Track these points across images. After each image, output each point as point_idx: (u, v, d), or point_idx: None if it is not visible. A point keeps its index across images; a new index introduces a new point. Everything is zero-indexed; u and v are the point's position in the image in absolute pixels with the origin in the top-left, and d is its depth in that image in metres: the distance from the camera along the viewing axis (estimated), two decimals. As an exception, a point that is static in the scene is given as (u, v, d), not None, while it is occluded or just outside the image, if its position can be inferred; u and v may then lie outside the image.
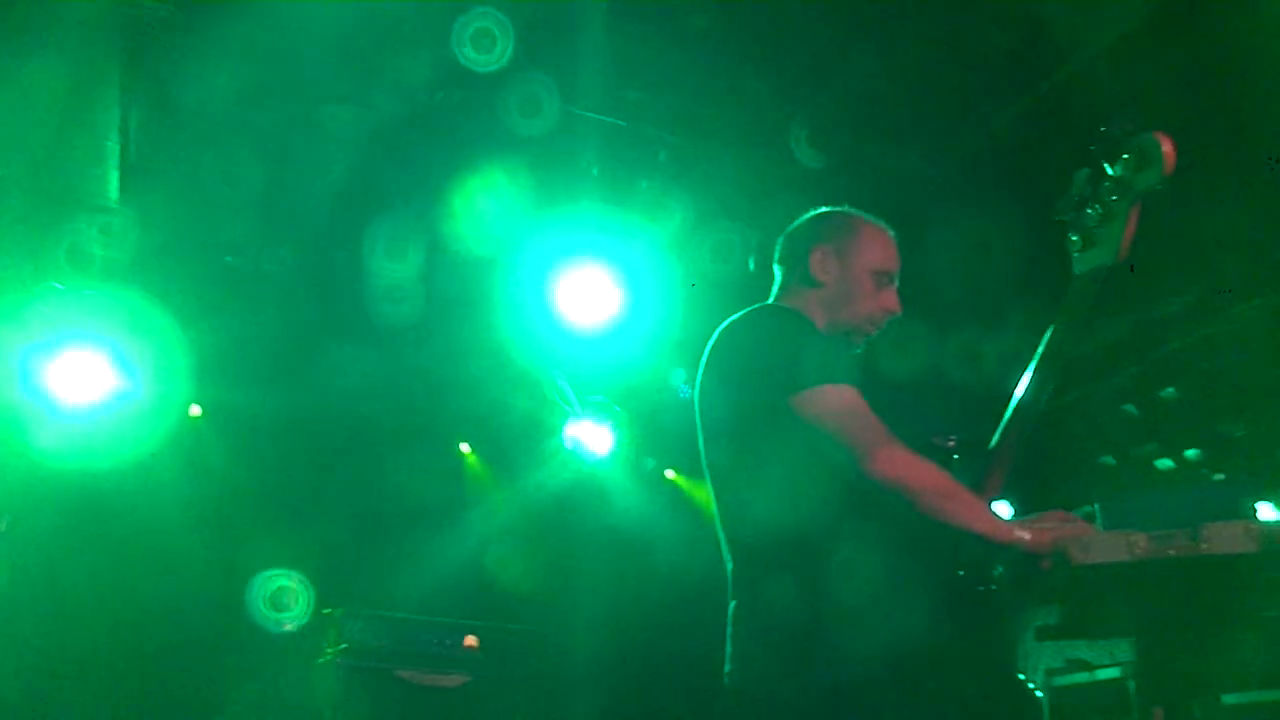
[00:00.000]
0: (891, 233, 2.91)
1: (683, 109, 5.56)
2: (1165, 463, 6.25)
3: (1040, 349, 2.50)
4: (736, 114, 5.54)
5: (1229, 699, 4.33)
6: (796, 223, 2.97)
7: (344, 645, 6.28)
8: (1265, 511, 4.59)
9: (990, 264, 5.32)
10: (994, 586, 2.50)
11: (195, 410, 7.30)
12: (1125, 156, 2.30)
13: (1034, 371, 2.50)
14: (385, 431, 7.59)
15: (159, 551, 6.73)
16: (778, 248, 2.97)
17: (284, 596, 6.54)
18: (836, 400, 2.47)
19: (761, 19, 4.90)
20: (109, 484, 6.46)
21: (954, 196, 5.69)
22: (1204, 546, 2.27)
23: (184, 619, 6.67)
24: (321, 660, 6.31)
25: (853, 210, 2.95)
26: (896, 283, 2.89)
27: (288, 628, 6.56)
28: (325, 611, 6.46)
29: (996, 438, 2.56)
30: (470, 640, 6.63)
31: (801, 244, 2.89)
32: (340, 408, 7.37)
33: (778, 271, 2.95)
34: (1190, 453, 6.12)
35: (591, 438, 7.98)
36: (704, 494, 2.90)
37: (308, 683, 6.32)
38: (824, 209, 2.97)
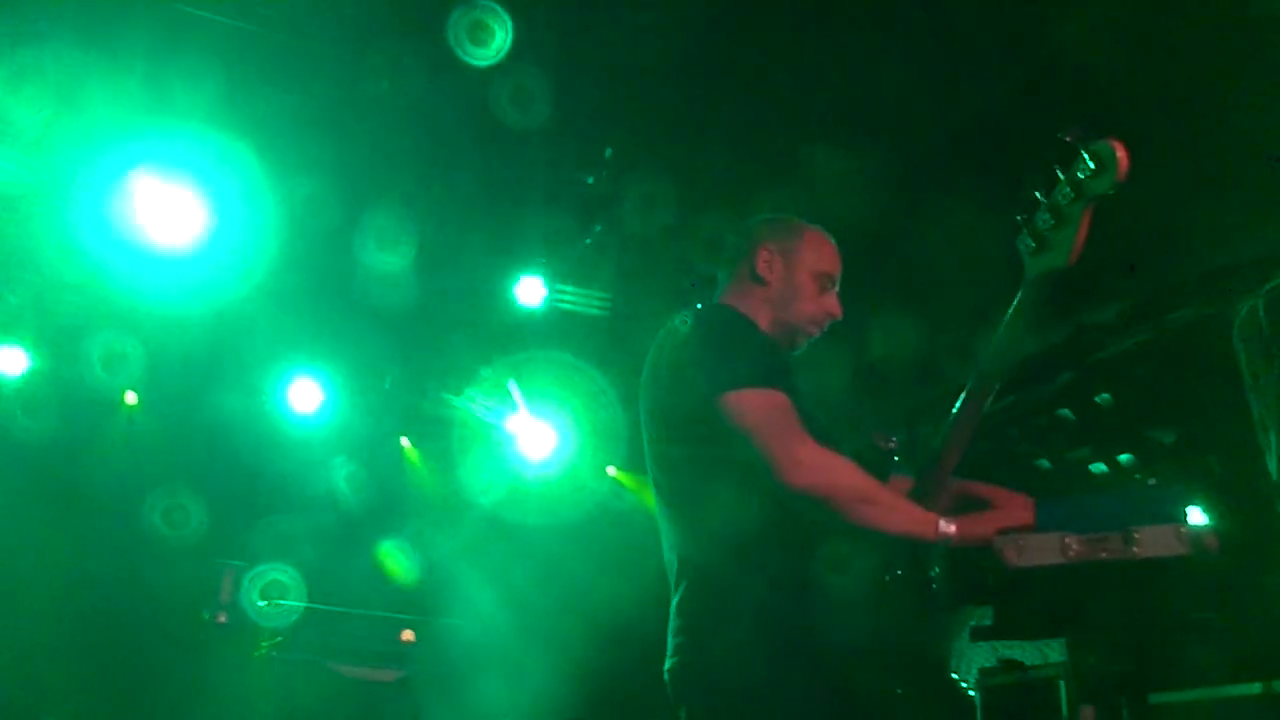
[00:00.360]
0: (833, 240, 2.98)
1: (634, 105, 5.53)
2: (1099, 467, 6.33)
3: (990, 349, 2.52)
4: (693, 109, 5.51)
5: (1156, 698, 4.42)
6: (742, 225, 3.03)
7: (279, 638, 6.23)
8: (1194, 516, 4.68)
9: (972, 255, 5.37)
10: (934, 586, 2.53)
11: (131, 398, 7.21)
12: (1080, 162, 2.33)
13: (981, 371, 2.53)
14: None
15: (92, 542, 6.63)
16: (723, 250, 3.01)
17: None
18: (755, 404, 2.49)
19: (717, 8, 4.88)
20: (38, 468, 6.36)
21: (926, 188, 5.70)
22: (1136, 550, 2.31)
23: (117, 612, 6.58)
24: (257, 653, 6.25)
25: (796, 217, 3.01)
26: (838, 287, 2.94)
27: (222, 620, 6.48)
28: (261, 604, 6.39)
29: (942, 437, 2.59)
30: (407, 635, 6.59)
31: (747, 244, 2.95)
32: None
33: (721, 274, 3.00)
34: (1124, 457, 6.20)
35: (533, 435, 7.98)
36: (647, 489, 2.91)
37: (243, 675, 6.26)
38: (767, 215, 3.02)
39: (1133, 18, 4.51)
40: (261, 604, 6.37)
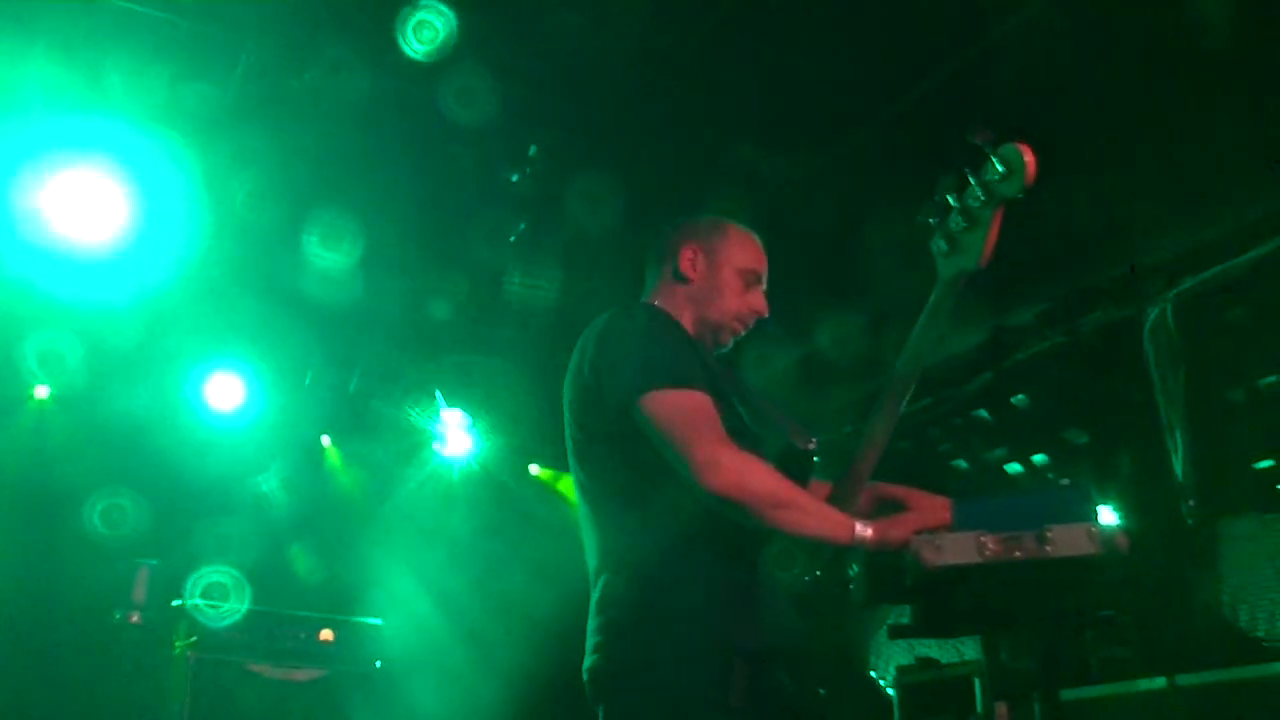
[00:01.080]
0: (758, 238, 3.00)
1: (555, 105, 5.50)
2: (1014, 467, 6.46)
3: (904, 350, 2.56)
4: (628, 108, 5.49)
5: (1067, 694, 4.53)
6: (666, 226, 3.04)
7: (195, 638, 6.13)
8: (1105, 516, 4.79)
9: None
10: (851, 586, 2.56)
11: (42, 393, 7.06)
12: (989, 165, 2.37)
13: (897, 371, 2.57)
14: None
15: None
16: (651, 248, 3.02)
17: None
18: (674, 405, 2.49)
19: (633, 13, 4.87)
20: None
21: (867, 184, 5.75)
22: (1049, 549, 2.36)
23: (23, 614, 6.42)
24: (172, 653, 6.14)
25: (721, 216, 3.02)
26: (764, 285, 2.96)
27: (134, 620, 6.36)
28: (176, 603, 6.28)
29: (859, 439, 2.62)
30: (326, 634, 6.52)
31: (671, 243, 2.96)
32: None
33: (648, 274, 3.01)
34: (1038, 458, 6.33)
35: (453, 434, 7.96)
36: (568, 489, 2.92)
37: (157, 676, 6.14)
38: (694, 215, 3.04)
39: (1060, 18, 4.58)
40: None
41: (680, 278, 2.90)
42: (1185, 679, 4.14)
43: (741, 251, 2.94)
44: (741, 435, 2.60)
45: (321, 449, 8.08)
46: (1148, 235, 5.55)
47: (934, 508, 2.66)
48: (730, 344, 2.95)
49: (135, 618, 6.37)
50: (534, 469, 8.60)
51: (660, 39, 4.96)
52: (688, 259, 2.91)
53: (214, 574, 6.37)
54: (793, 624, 2.54)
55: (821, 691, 2.58)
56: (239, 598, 6.34)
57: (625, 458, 2.61)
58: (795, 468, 2.66)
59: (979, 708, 4.75)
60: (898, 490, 2.81)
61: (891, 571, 2.46)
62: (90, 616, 6.41)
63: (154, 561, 6.50)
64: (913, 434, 6.73)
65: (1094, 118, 4.85)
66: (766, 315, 2.95)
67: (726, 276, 2.90)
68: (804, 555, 2.56)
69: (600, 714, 2.58)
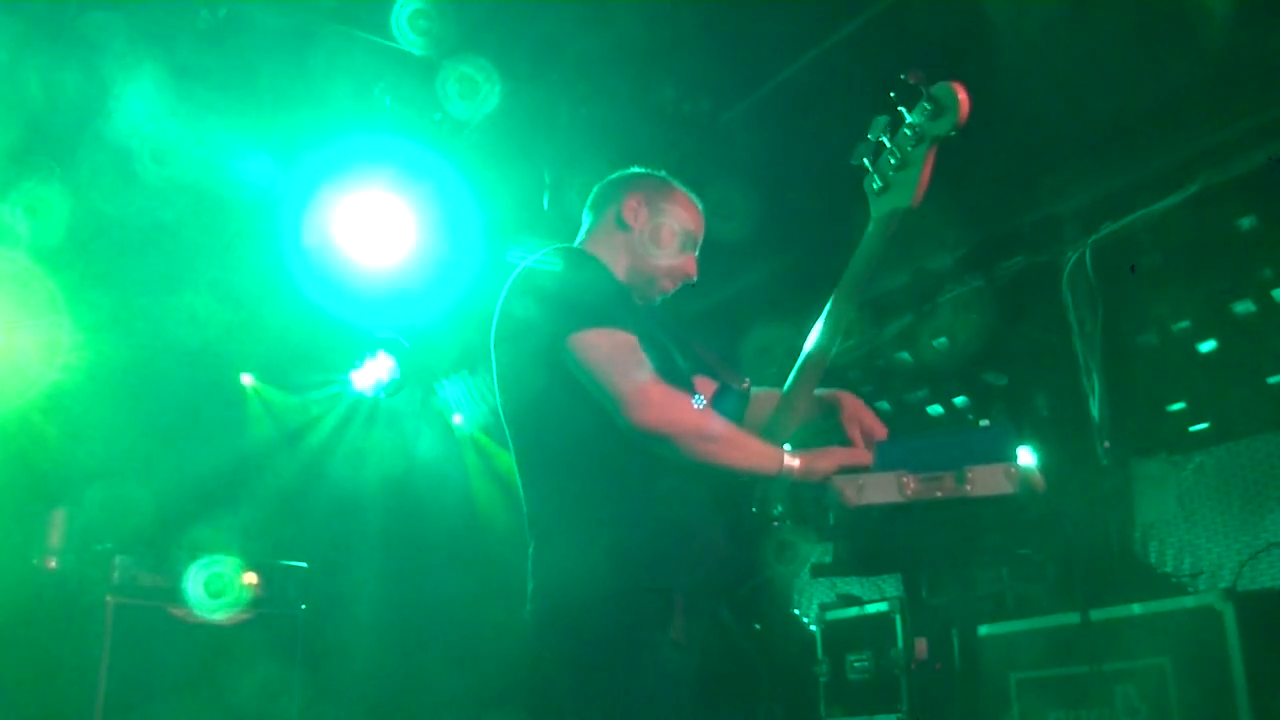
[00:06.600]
0: (701, 204, 3.04)
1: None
2: (936, 409, 6.55)
3: (837, 289, 2.58)
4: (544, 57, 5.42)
5: (985, 630, 4.64)
6: (614, 174, 3.07)
7: (115, 583, 6.04)
8: (1023, 456, 4.89)
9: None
10: (780, 524, 2.59)
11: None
12: (922, 104, 2.37)
13: (830, 309, 2.59)
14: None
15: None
16: (592, 193, 3.03)
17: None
18: (601, 343, 2.51)
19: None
20: None
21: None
22: (968, 488, 2.41)
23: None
24: (92, 599, 6.04)
25: (670, 177, 3.06)
26: (698, 250, 3.00)
27: (51, 565, 6.23)
28: (95, 548, 6.17)
29: (792, 376, 2.65)
30: (250, 577, 6.45)
31: (616, 190, 3.00)
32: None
33: (587, 216, 3.03)
34: (959, 399, 6.43)
35: (377, 374, 7.88)
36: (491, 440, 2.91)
37: (77, 622, 6.04)
38: (642, 168, 3.07)
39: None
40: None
41: (621, 225, 2.93)
42: (1098, 614, 4.25)
43: (684, 213, 2.98)
44: (671, 375, 2.61)
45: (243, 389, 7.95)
46: (1066, 182, 5.62)
47: (856, 408, 2.76)
48: (658, 300, 2.97)
49: (52, 563, 6.25)
50: (457, 419, 8.54)
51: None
52: (631, 207, 2.93)
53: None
54: (733, 560, 2.57)
55: (757, 627, 2.62)
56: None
57: (552, 401, 2.61)
58: (728, 407, 2.69)
59: (899, 643, 4.85)
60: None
61: (815, 509, 2.50)
62: (2, 562, 6.27)
63: (72, 506, 6.37)
64: (834, 375, 6.77)
65: (1019, 64, 4.87)
66: (695, 280, 3.00)
67: (665, 233, 2.93)
68: (737, 492, 2.59)
69: (544, 661, 2.59)
